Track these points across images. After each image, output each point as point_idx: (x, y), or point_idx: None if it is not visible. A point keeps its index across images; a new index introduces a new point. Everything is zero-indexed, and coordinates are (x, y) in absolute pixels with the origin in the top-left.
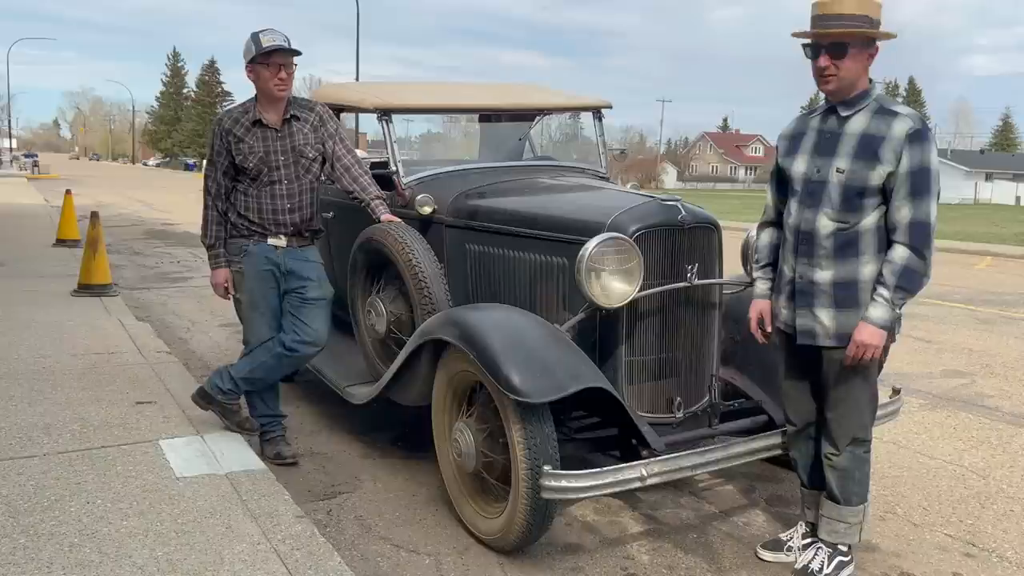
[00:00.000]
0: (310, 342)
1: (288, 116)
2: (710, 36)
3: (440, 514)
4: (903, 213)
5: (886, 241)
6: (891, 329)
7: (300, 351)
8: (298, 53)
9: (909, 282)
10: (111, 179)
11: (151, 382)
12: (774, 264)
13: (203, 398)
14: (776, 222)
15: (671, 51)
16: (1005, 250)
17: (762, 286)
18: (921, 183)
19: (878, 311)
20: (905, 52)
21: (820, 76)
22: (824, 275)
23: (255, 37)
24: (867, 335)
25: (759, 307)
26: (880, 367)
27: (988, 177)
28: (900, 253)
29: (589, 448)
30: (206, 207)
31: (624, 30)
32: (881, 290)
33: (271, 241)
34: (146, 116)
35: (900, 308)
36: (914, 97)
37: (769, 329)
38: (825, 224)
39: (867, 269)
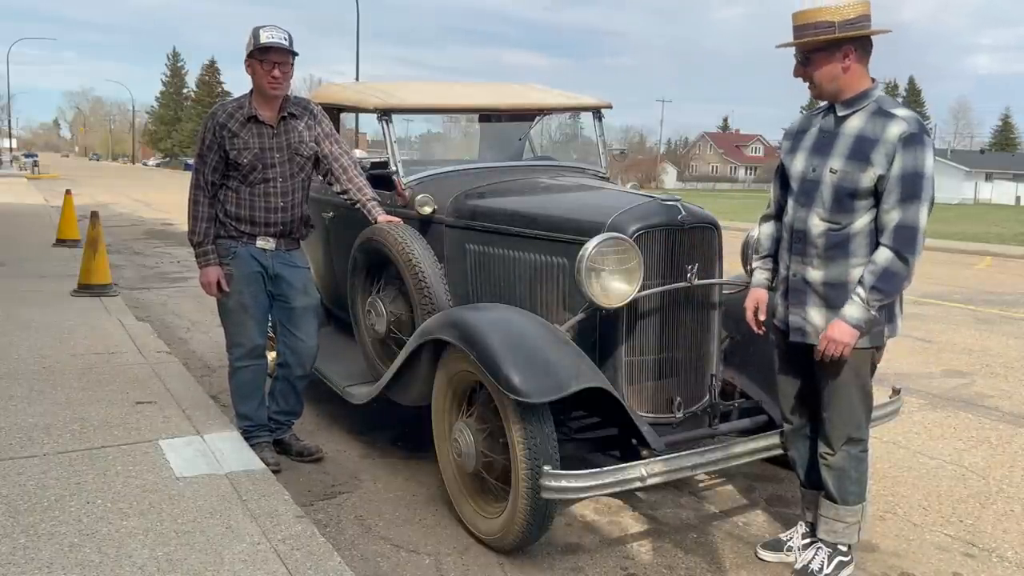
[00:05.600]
0: (306, 352)
1: (284, 114)
2: (710, 36)
3: (440, 514)
4: (891, 216)
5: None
6: (867, 329)
7: (292, 366)
8: (295, 54)
9: (887, 284)
10: (110, 179)
11: (151, 382)
12: (774, 256)
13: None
14: (778, 216)
15: (671, 51)
16: (1005, 250)
17: (760, 276)
18: (912, 188)
19: (852, 310)
20: (906, 51)
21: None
22: (816, 274)
23: (255, 32)
24: (837, 332)
25: (756, 296)
26: (873, 367)
27: (988, 177)
28: (883, 255)
29: (589, 448)
30: (196, 203)
31: (624, 30)
32: (859, 289)
33: (259, 244)
34: (146, 116)
35: (875, 309)
36: (914, 97)
37: (763, 318)
38: (817, 224)
39: (857, 271)
